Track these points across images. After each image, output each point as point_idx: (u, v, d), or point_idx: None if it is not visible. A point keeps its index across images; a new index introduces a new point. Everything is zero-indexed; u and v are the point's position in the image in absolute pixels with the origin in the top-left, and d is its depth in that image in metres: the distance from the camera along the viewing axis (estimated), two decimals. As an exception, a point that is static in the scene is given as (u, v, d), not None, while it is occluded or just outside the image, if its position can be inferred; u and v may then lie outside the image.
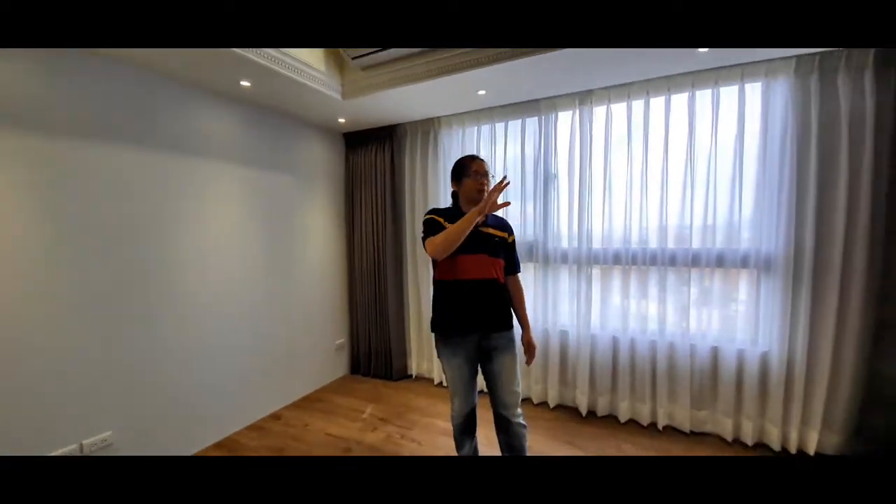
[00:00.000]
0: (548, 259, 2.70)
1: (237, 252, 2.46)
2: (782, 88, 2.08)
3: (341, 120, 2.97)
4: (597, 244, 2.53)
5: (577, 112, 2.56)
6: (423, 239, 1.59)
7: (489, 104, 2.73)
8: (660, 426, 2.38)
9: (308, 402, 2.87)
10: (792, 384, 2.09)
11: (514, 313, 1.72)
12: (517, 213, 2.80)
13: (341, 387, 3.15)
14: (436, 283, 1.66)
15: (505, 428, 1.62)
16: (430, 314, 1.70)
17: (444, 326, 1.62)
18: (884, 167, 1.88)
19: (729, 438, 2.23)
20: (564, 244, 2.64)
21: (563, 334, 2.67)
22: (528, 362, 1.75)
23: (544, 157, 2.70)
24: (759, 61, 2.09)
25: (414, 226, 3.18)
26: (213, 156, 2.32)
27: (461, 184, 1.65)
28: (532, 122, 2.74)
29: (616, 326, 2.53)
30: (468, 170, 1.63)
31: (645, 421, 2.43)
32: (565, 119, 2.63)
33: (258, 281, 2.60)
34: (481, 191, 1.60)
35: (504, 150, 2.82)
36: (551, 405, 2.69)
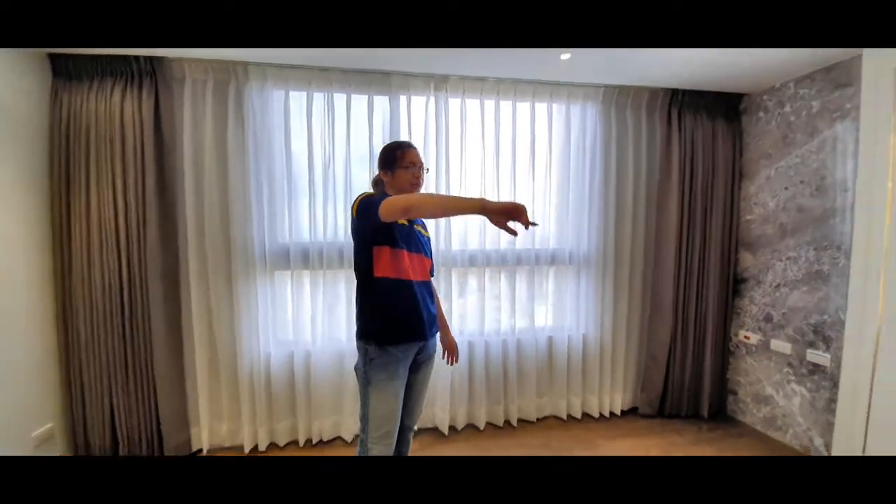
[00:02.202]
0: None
1: None
2: (592, 112, 2.48)
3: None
4: (455, 246, 2.35)
5: (433, 98, 2.30)
6: (376, 208, 1.25)
7: (325, 61, 2.08)
8: (514, 422, 2.45)
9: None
10: (604, 358, 2.54)
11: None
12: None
13: (54, 510, 1.74)
14: (375, 281, 1.34)
15: (403, 439, 1.53)
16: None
17: (392, 335, 1.35)
18: (654, 187, 2.52)
19: (564, 416, 2.52)
20: (419, 246, 2.33)
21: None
22: (453, 362, 1.68)
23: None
24: (579, 85, 2.41)
25: (203, 221, 2.11)
26: None
27: (394, 175, 1.42)
28: (381, 101, 2.28)
29: (472, 331, 2.43)
30: (402, 159, 1.41)
31: (500, 421, 2.44)
32: (419, 105, 2.31)
33: None
34: (416, 184, 1.43)
35: (347, 129, 2.22)
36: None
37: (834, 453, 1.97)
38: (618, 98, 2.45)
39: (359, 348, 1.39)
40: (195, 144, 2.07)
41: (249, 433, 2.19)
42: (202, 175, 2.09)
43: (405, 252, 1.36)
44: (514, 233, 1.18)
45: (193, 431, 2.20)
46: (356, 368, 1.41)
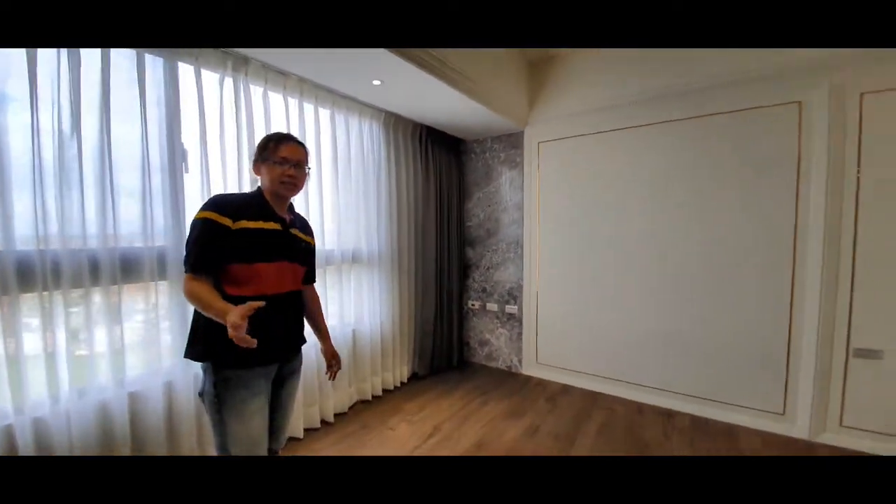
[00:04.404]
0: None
1: None
2: (377, 131, 2.90)
3: None
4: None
5: (230, 79, 2.01)
6: (185, 261, 1.15)
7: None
8: (330, 419, 2.50)
9: None
10: (394, 340, 3.03)
11: (313, 325, 1.54)
12: (137, 210, 1.71)
13: None
14: (225, 298, 1.16)
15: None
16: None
17: (244, 358, 1.15)
18: (419, 198, 3.22)
19: (370, 397, 2.81)
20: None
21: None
22: (333, 376, 1.54)
23: (170, 124, 1.83)
24: (368, 105, 2.76)
25: None
26: None
27: (261, 169, 1.29)
28: (156, 65, 1.76)
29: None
30: (273, 152, 1.26)
31: (318, 422, 2.43)
32: (211, 80, 1.96)
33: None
34: (286, 183, 1.27)
35: (102, 94, 1.58)
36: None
37: (523, 367, 3.33)
38: (394, 123, 2.99)
39: (204, 370, 1.22)
40: None
41: None
42: None
43: (261, 264, 1.21)
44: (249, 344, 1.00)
45: None
46: (202, 394, 1.22)
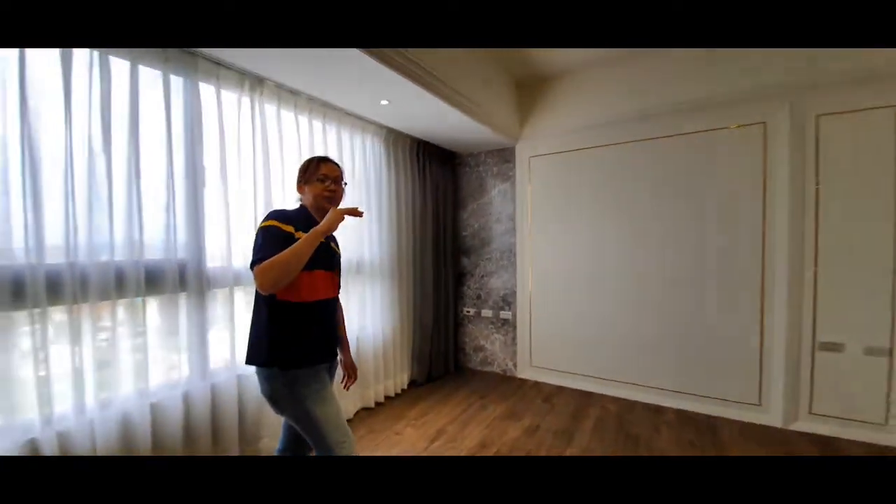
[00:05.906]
0: (203, 285, 1.93)
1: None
2: (378, 147, 3.02)
3: None
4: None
5: (247, 98, 2.10)
6: (254, 262, 1.19)
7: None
8: (336, 425, 2.56)
9: None
10: (395, 346, 3.11)
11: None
12: (161, 224, 1.78)
13: None
14: (279, 304, 1.28)
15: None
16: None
17: (313, 355, 1.32)
18: (418, 210, 3.35)
19: (372, 405, 2.88)
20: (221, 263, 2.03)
21: (242, 378, 2.06)
22: (349, 385, 1.61)
23: (192, 141, 1.91)
24: (372, 122, 2.89)
25: None
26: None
27: (307, 188, 1.40)
28: (178, 84, 1.85)
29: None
30: (316, 171, 1.40)
31: (324, 429, 2.49)
32: (230, 100, 2.04)
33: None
34: (328, 196, 1.40)
35: (130, 109, 1.65)
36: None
37: (518, 370, 3.47)
38: (394, 139, 3.12)
39: (272, 375, 1.28)
40: None
41: None
42: None
43: (318, 271, 1.34)
44: (359, 214, 1.31)
45: None
46: (272, 397, 1.29)
